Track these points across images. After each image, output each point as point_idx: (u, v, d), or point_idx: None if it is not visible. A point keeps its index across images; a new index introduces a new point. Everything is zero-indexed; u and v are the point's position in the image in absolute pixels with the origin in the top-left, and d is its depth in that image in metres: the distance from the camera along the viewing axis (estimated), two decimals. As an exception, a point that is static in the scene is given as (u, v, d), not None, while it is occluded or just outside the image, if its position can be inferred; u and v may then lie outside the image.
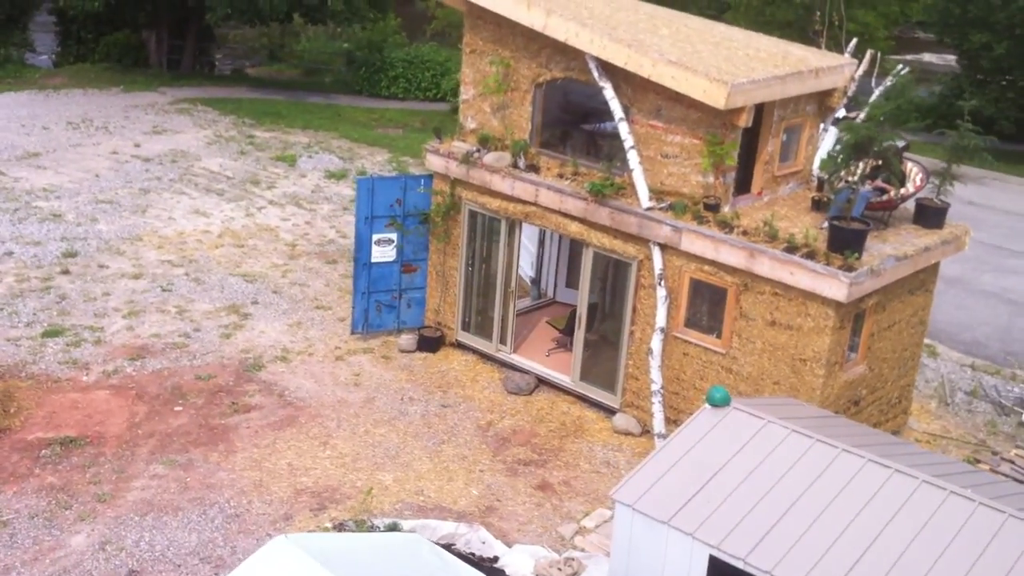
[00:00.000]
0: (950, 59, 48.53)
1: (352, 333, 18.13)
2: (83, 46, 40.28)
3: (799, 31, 37.74)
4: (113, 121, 30.27)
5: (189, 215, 23.30)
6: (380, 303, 18.05)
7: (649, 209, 15.03)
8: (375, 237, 17.72)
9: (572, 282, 19.22)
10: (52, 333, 17.20)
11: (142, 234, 21.88)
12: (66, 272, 19.60)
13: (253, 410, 15.66)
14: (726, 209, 15.03)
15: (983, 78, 35.88)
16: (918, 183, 15.25)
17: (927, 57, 58.56)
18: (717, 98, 14.12)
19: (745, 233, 14.36)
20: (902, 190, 15.19)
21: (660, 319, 15.04)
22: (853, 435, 11.74)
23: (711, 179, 14.97)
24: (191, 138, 29.40)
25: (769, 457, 10.85)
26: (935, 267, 15.68)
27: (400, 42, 41.52)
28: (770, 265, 13.92)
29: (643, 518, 10.47)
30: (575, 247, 18.75)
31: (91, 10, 36.29)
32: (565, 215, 15.98)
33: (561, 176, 16.21)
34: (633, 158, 15.25)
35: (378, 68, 38.35)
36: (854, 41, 17.54)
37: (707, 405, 11.50)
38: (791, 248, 13.91)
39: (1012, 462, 15.42)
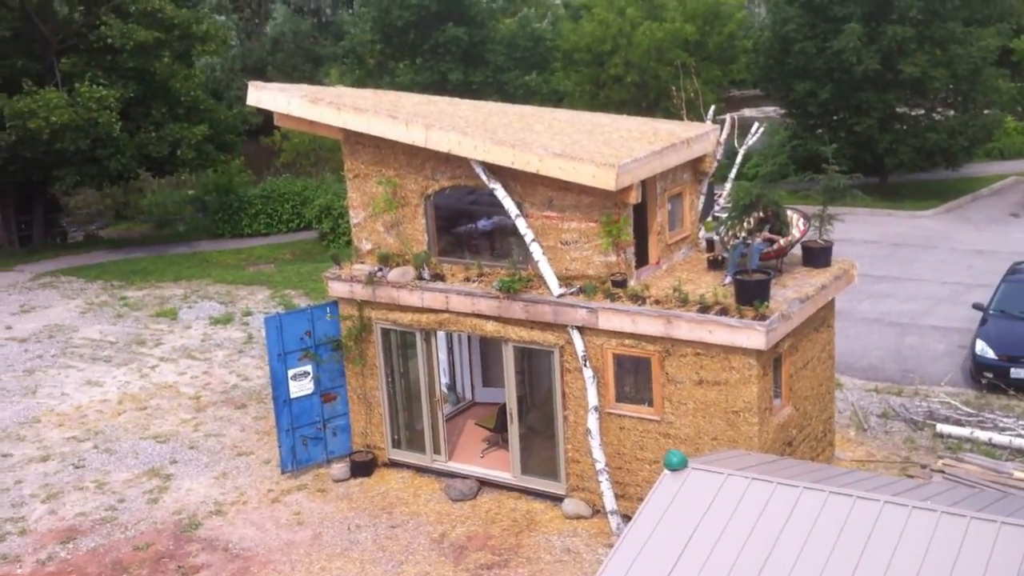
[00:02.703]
0: (768, 111, 51.44)
1: (283, 473, 17.91)
2: (-74, 237, 38.98)
3: (634, 107, 39.61)
4: (-23, 307, 29.37)
5: (82, 387, 22.71)
6: (306, 437, 17.92)
7: (561, 296, 15.50)
8: (290, 372, 17.67)
9: (489, 380, 19.50)
10: (-28, 533, 16.51)
11: (39, 415, 21.21)
12: (-31, 468, 18.86)
13: (202, 570, 15.28)
14: (633, 283, 15.63)
15: (813, 123, 38.09)
16: (801, 228, 16.18)
17: (747, 112, 61.91)
18: (607, 181, 14.77)
19: (657, 302, 14.95)
20: (788, 237, 16.09)
21: (592, 399, 15.43)
22: (805, 472, 12.25)
23: (613, 257, 15.57)
24: (62, 310, 28.72)
25: (738, 508, 11.22)
26: (832, 303, 16.59)
27: (247, 179, 41.63)
28: (688, 328, 14.50)
29: (634, 594, 10.64)
30: (488, 346, 19.12)
31: (-68, 199, 35.35)
32: (479, 316, 16.30)
33: (468, 279, 16.58)
34: (536, 250, 15.75)
35: (236, 208, 38.28)
36: (712, 108, 18.61)
37: (666, 471, 11.83)
38: (704, 308, 14.56)
39: (942, 471, 16.23)
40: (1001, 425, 18.28)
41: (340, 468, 17.80)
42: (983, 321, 21.37)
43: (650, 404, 15.27)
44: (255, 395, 21.62)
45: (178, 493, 17.63)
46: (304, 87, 19.45)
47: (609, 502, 15.47)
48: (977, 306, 22.10)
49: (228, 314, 27.42)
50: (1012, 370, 19.95)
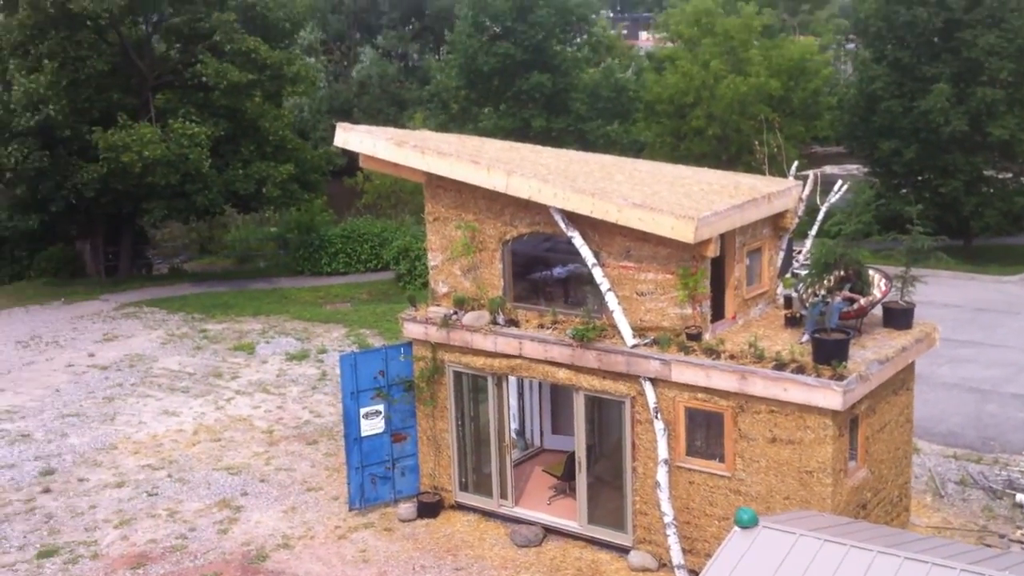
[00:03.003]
0: (851, 168, 50.91)
1: (350, 510, 18.03)
2: (17, 264, 40.27)
3: (714, 161, 39.53)
4: (62, 334, 30.13)
5: (159, 416, 23.14)
6: (375, 476, 18.03)
7: (635, 347, 15.44)
8: (363, 411, 17.84)
9: (558, 428, 19.46)
10: (47, 553, 16.82)
11: (116, 442, 21.65)
12: (47, 491, 19.26)
13: (267, 603, 15.41)
14: (708, 336, 15.51)
15: (897, 183, 37.65)
16: (883, 288, 15.95)
17: (828, 169, 61.43)
18: (686, 233, 14.73)
19: (732, 357, 14.82)
20: (869, 297, 15.87)
21: (662, 451, 15.30)
22: (879, 536, 11.99)
23: (688, 310, 15.48)
24: (144, 340, 29.36)
25: (809, 570, 11.02)
26: (912, 366, 16.28)
27: (328, 219, 42.30)
28: (763, 384, 14.34)
29: (701, 650, 10.49)
30: (558, 393, 19.09)
31: (26, 229, 36.51)
32: (551, 363, 16.30)
33: (541, 326, 16.61)
34: (612, 300, 15.73)
35: (317, 247, 38.92)
36: (795, 164, 18.50)
37: (736, 528, 11.67)
38: (780, 365, 14.38)
39: (1021, 542, 15.77)
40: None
41: (407, 508, 17.86)
42: (1067, 391, 20.83)
43: (721, 460, 15.09)
44: (326, 432, 21.84)
45: (247, 525, 17.83)
46: (390, 130, 19.81)
47: (676, 556, 15.27)
48: None
49: (304, 351, 27.79)
50: None
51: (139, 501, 18.81)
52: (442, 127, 43.18)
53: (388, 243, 38.21)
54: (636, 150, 44.39)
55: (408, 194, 43.47)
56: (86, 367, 26.83)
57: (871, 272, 16.14)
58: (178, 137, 33.75)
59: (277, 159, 37.38)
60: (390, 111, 58.00)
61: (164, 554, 16.86)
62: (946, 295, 31.57)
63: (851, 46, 53.43)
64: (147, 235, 44.96)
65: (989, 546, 15.82)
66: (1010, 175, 37.42)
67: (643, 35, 78.72)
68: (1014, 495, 17.95)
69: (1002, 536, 16.35)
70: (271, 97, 38.53)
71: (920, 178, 37.37)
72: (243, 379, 25.62)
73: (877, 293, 15.95)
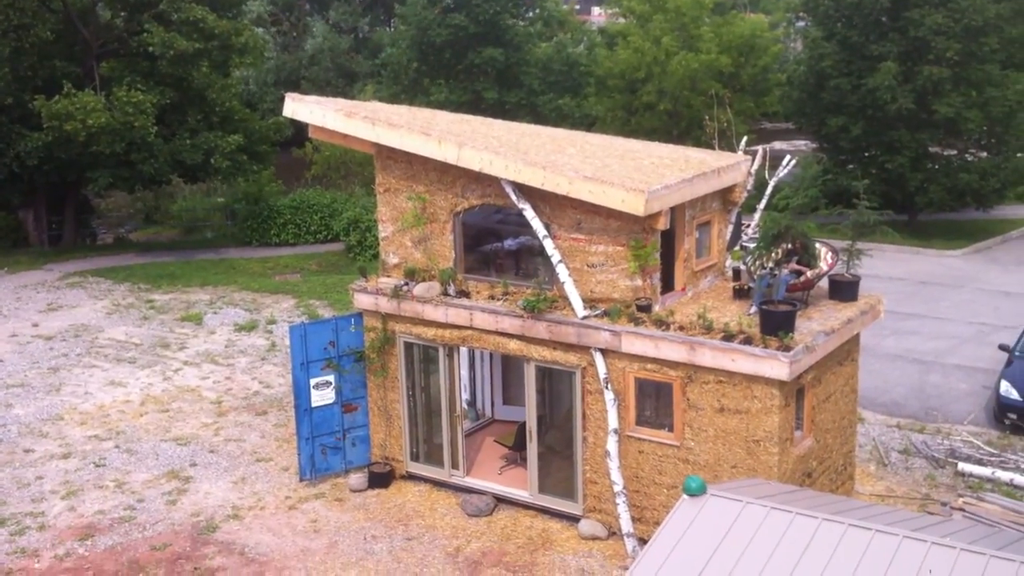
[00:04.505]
0: (799, 144, 51.39)
1: (301, 480, 18.01)
2: (-42, 233, 39.44)
3: (665, 135, 39.69)
4: (5, 304, 29.64)
5: (105, 387, 22.90)
6: (325, 446, 18.02)
7: (585, 318, 15.55)
8: (313, 381, 17.79)
9: (509, 399, 19.56)
10: (-8, 525, 16.66)
11: (62, 413, 21.41)
12: (-8, 461, 19.05)
13: (218, 572, 15.38)
14: (658, 308, 15.67)
15: (844, 158, 38.11)
16: (829, 261, 16.19)
17: (777, 145, 62.04)
18: (636, 206, 14.83)
19: (682, 328, 14.98)
20: (816, 270, 16.10)
21: (612, 421, 15.45)
22: (824, 504, 12.23)
23: (639, 282, 15.61)
24: (89, 310, 28.98)
25: (755, 537, 11.21)
26: (857, 337, 16.57)
27: (277, 190, 41.91)
28: (712, 355, 14.52)
29: (648, 616, 10.65)
30: (509, 364, 19.18)
31: (-35, 197, 35.84)
32: (502, 334, 16.36)
33: (492, 297, 16.66)
34: (562, 272, 15.81)
35: (266, 217, 38.59)
36: (744, 139, 18.69)
37: (685, 496, 11.84)
38: (728, 336, 14.57)
39: (962, 510, 16.15)
40: (1023, 466, 18.19)
41: (358, 478, 17.88)
42: (1008, 362, 21.34)
43: (670, 429, 15.28)
44: (276, 402, 21.76)
45: (196, 496, 17.74)
46: (340, 101, 19.66)
47: (626, 524, 15.47)
48: (1003, 347, 22.10)
49: (252, 321, 27.60)
50: None
51: (86, 472, 18.64)
52: (393, 98, 42.90)
53: (338, 214, 37.98)
54: (588, 124, 44.43)
55: (358, 165, 43.13)
56: (30, 337, 26.45)
57: (818, 245, 16.38)
58: (123, 105, 33.17)
59: (224, 129, 36.91)
60: (339, 83, 57.41)
61: (112, 525, 16.74)
62: (891, 269, 32.11)
63: (801, 24, 53.82)
64: (91, 205, 44.26)
65: (931, 514, 16.18)
66: (954, 152, 37.97)
67: (595, 10, 78.61)
68: (955, 464, 18.39)
69: (944, 504, 16.72)
70: (218, 67, 38.00)
71: (867, 154, 37.81)
72: (191, 350, 25.41)
73: (823, 266, 16.20)
